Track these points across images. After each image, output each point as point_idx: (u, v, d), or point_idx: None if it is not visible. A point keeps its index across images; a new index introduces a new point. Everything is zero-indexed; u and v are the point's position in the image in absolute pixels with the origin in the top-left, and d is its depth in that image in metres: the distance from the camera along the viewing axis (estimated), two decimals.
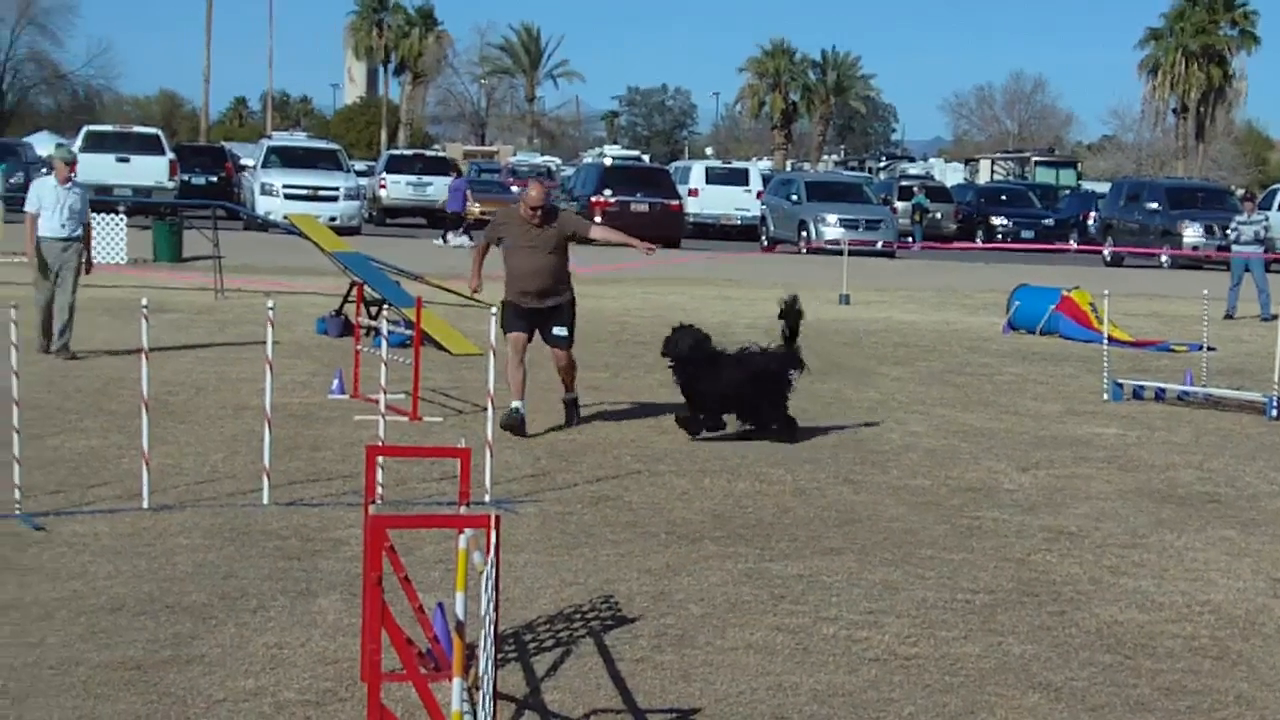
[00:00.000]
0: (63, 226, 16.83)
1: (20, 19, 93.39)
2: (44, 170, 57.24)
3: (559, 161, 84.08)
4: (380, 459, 9.80)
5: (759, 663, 7.47)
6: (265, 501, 10.37)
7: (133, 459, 11.03)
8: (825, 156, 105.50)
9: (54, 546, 9.13)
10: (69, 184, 16.94)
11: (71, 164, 17.18)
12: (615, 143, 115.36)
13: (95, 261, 18.47)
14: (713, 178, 52.00)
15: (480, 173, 65.51)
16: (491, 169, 69.45)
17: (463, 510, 7.41)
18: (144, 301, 10.52)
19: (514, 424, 13.21)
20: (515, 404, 13.36)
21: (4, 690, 6.69)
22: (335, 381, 15.19)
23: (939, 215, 54.10)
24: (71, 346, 16.88)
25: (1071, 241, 51.32)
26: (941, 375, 18.50)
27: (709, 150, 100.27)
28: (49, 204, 16.80)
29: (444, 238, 41.65)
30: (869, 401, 16.13)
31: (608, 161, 55.07)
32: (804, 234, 44.28)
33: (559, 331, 13.73)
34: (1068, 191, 63.31)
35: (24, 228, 17.13)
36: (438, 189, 50.23)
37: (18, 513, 9.74)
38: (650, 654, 7.54)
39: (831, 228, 43.54)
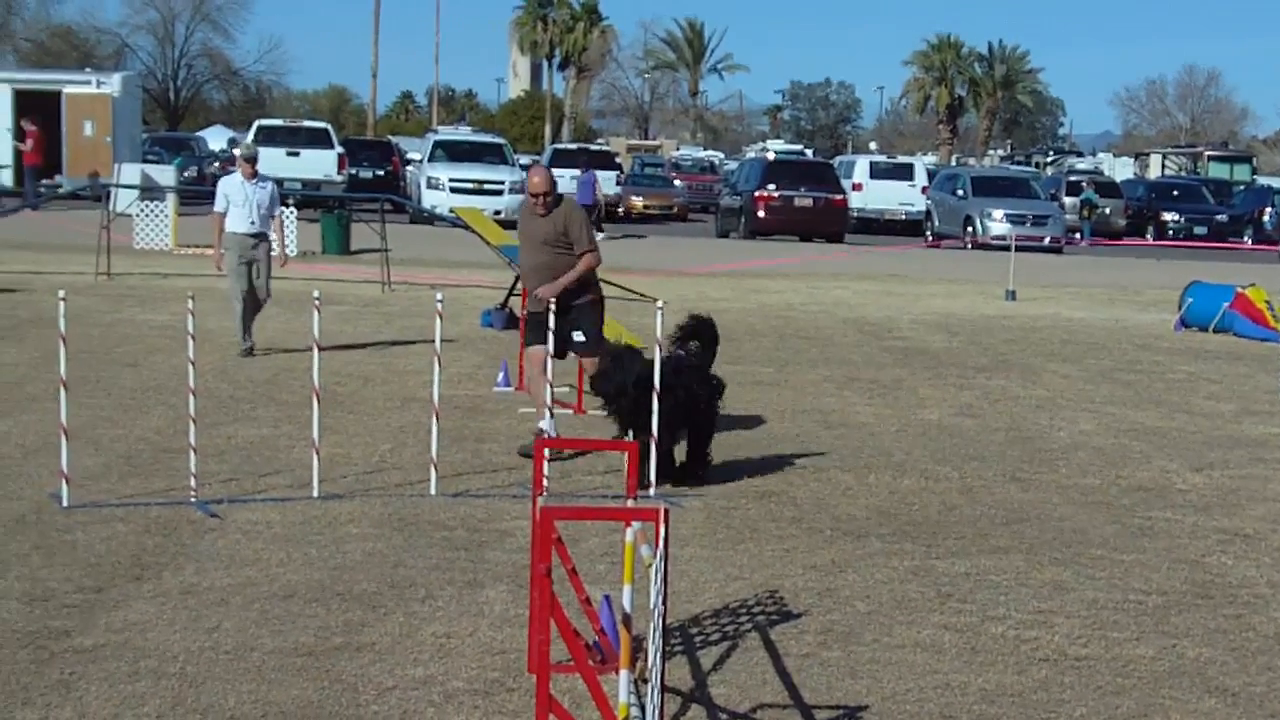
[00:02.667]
0: (251, 223, 16.77)
1: (194, 16, 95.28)
2: (215, 163, 58.45)
3: (722, 156, 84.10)
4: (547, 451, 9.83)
5: (926, 661, 7.39)
6: (432, 492, 10.48)
7: (303, 448, 11.20)
8: (991, 151, 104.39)
9: (228, 534, 9.29)
10: (255, 180, 16.91)
11: (254, 160, 17.19)
12: (778, 137, 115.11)
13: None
14: (877, 172, 51.63)
15: (644, 167, 65.68)
16: (655, 163, 69.58)
17: (630, 503, 7.43)
18: (316, 294, 10.67)
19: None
20: (541, 424, 11.70)
21: (182, 673, 6.82)
22: (500, 374, 15.31)
23: (1108, 211, 53.20)
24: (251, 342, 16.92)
25: (1246, 238, 50.23)
26: (1111, 373, 18.19)
27: (873, 145, 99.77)
28: (237, 200, 16.74)
29: None
30: (1036, 399, 15.91)
31: (771, 156, 54.94)
32: (969, 229, 43.82)
33: (577, 337, 12.22)
34: (1242, 187, 61.89)
35: (209, 224, 17.20)
36: (603, 183, 50.46)
37: (193, 500, 9.94)
38: (816, 650, 7.50)
39: (998, 223, 43.04)
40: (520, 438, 12.61)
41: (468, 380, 15.59)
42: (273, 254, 17.21)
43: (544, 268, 12.16)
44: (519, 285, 18.98)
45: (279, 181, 17.93)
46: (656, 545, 5.81)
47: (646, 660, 6.31)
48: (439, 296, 11.14)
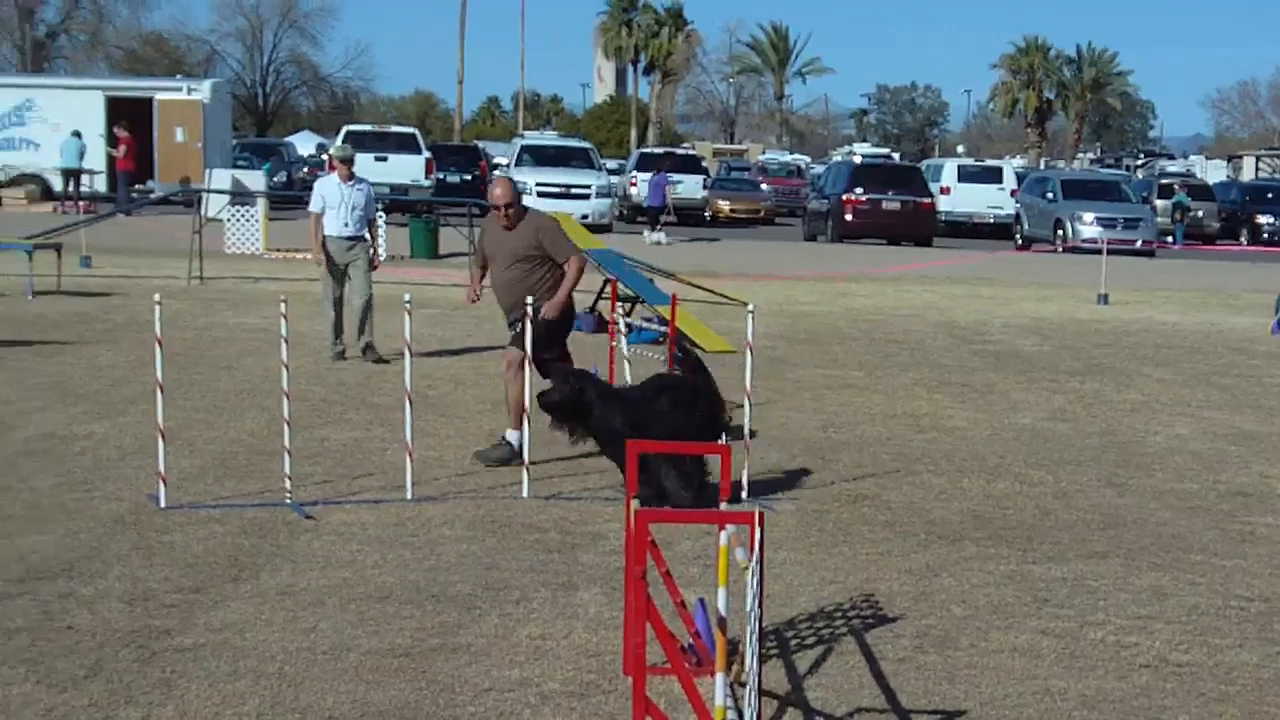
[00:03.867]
0: (346, 225, 16.65)
1: (282, 23, 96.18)
2: (304, 168, 58.86)
3: (808, 159, 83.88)
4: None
5: (1025, 666, 7.32)
6: (525, 494, 10.50)
7: (396, 451, 11.26)
8: (1080, 154, 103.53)
9: (323, 535, 9.35)
10: (351, 182, 16.78)
11: (350, 162, 17.03)
12: (864, 140, 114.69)
13: None
14: (965, 175, 51.33)
15: (730, 171, 65.62)
16: (741, 167, 69.52)
17: (724, 506, 7.41)
18: (407, 297, 10.72)
19: (503, 459, 11.57)
20: (508, 434, 11.68)
21: (281, 673, 6.86)
22: None
23: (1201, 214, 52.60)
24: (361, 346, 16.73)
25: None
26: (1207, 377, 17.97)
27: (960, 148, 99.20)
28: (333, 203, 16.65)
29: (653, 229, 41.51)
30: (1130, 403, 15.74)
31: (857, 159, 54.76)
32: (1060, 232, 43.45)
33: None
34: None
35: (307, 227, 17.15)
36: (688, 187, 50.47)
37: (288, 501, 10.00)
38: (913, 654, 7.44)
39: (1088, 226, 42.65)
40: None
41: None
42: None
43: (514, 283, 11.82)
44: (607, 288, 19.04)
45: (404, 187, 17.87)
46: (752, 549, 5.78)
47: (742, 663, 6.28)
48: (530, 299, 11.15)
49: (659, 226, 41.06)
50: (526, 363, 11.27)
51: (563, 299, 11.76)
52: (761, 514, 5.71)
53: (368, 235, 16.97)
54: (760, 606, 5.59)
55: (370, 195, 17.00)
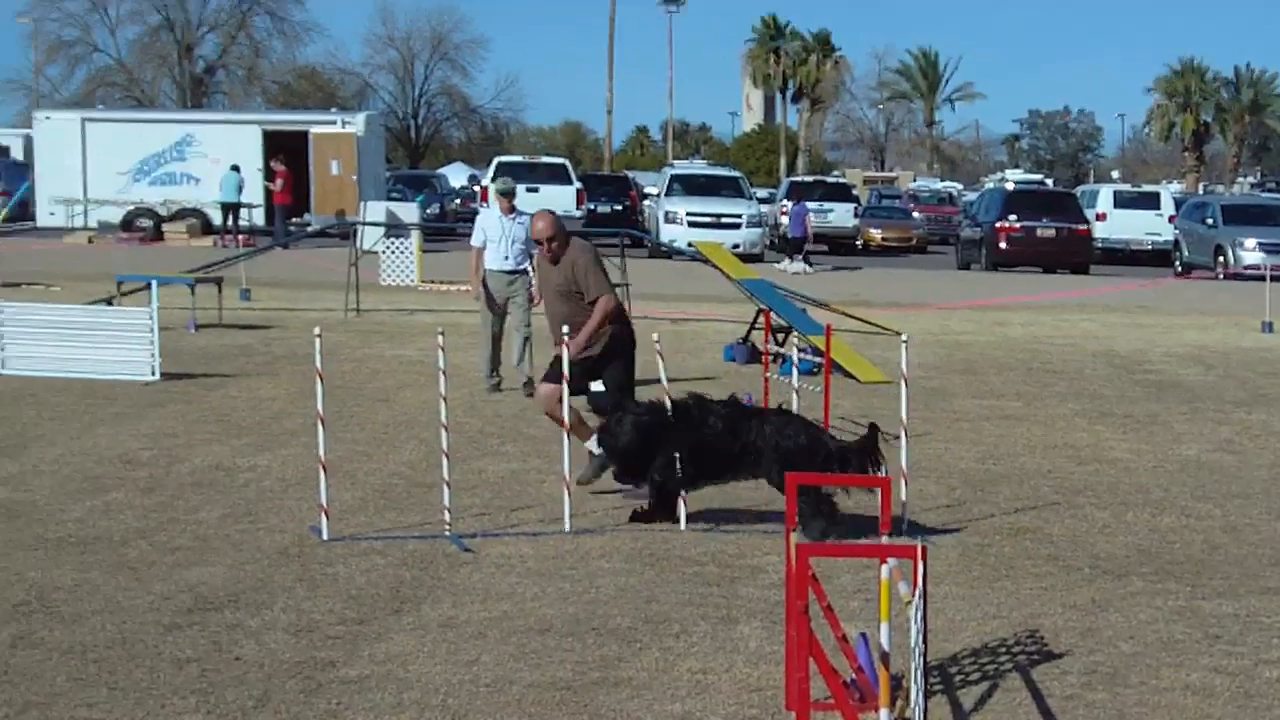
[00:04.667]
0: (507, 259, 16.62)
1: (433, 55, 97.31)
2: (456, 200, 59.41)
3: (959, 186, 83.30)
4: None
5: (1198, 705, 7.16)
6: (682, 527, 10.48)
7: (553, 483, 11.31)
8: (1240, 178, 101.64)
9: (482, 568, 9.40)
10: (512, 215, 16.74)
11: (511, 195, 17.03)
12: (1016, 166, 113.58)
13: None
14: (1121, 201, 50.56)
15: (880, 199, 65.30)
16: (892, 195, 69.16)
17: (884, 540, 7.34)
18: (565, 329, 10.75)
19: (597, 471, 11.43)
20: (590, 446, 11.29)
21: (444, 705, 6.90)
22: None
23: None
24: (522, 381, 16.53)
25: None
26: None
27: (1115, 173, 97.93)
28: (494, 236, 16.65)
29: (792, 260, 41.29)
30: None
31: (1010, 186, 54.23)
32: (1221, 259, 42.66)
33: (595, 387, 11.83)
34: None
35: (453, 260, 17.25)
36: (839, 215, 50.29)
37: (448, 533, 10.08)
38: (1080, 692, 7.31)
39: (1251, 252, 41.75)
40: None
41: None
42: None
43: (560, 317, 11.68)
44: (760, 319, 19.01)
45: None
46: (915, 583, 5.72)
47: (907, 699, 6.21)
48: (655, 337, 11.17)
49: (799, 256, 40.97)
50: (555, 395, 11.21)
51: (581, 341, 11.51)
52: (924, 549, 5.65)
53: (529, 269, 16.92)
54: (924, 642, 5.53)
55: (530, 229, 16.90)
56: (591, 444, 11.16)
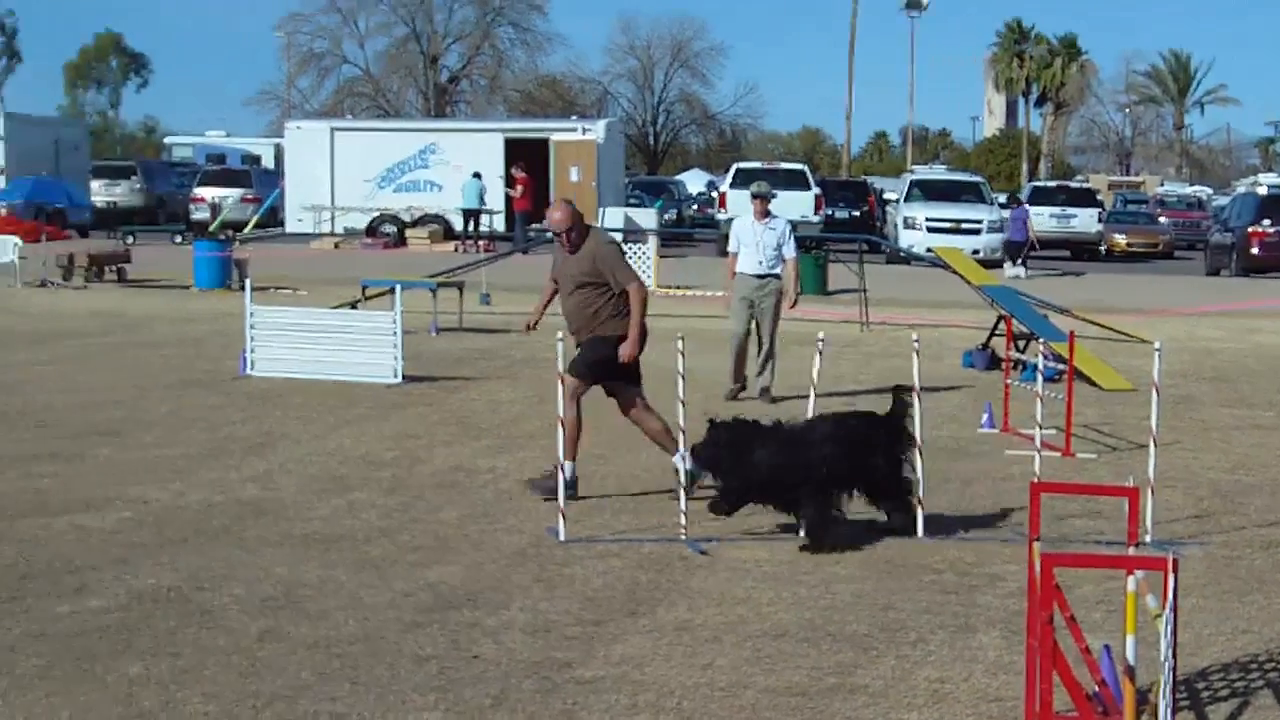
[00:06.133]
0: (759, 263, 16.52)
1: (673, 63, 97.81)
2: (693, 206, 59.64)
3: (1209, 191, 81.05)
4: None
5: None
6: (919, 534, 10.35)
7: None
8: None
9: (718, 572, 9.39)
10: (766, 220, 16.64)
11: (766, 199, 16.79)
12: (1269, 170, 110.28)
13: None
14: None
15: (1126, 204, 63.91)
16: (1138, 199, 67.61)
17: (1131, 551, 7.16)
18: (821, 335, 10.71)
19: (552, 489, 10.72)
20: (567, 464, 10.87)
21: (679, 709, 6.90)
22: (985, 415, 15.04)
23: None
24: (771, 389, 16.54)
25: None
26: None
27: None
28: (747, 241, 16.57)
29: (1012, 264, 40.41)
30: None
31: (1263, 190, 52.57)
32: None
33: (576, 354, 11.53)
34: None
35: (704, 266, 17.13)
36: (1082, 221, 49.32)
37: (684, 537, 10.09)
38: None
39: None
40: (1007, 479, 12.36)
41: (950, 421, 15.37)
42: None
43: (577, 309, 11.59)
44: (1001, 325, 18.72)
45: (792, 223, 17.52)
46: (1165, 596, 5.56)
47: (1153, 714, 6.04)
48: (915, 336, 11.03)
49: (1019, 261, 40.21)
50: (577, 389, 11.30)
51: (636, 337, 11.44)
52: (1175, 560, 5.50)
53: (781, 273, 16.76)
54: (1174, 656, 5.38)
55: (785, 233, 16.70)
56: (566, 464, 10.83)
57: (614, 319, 11.53)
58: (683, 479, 10.42)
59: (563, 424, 10.75)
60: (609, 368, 11.57)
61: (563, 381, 11.06)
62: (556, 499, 10.28)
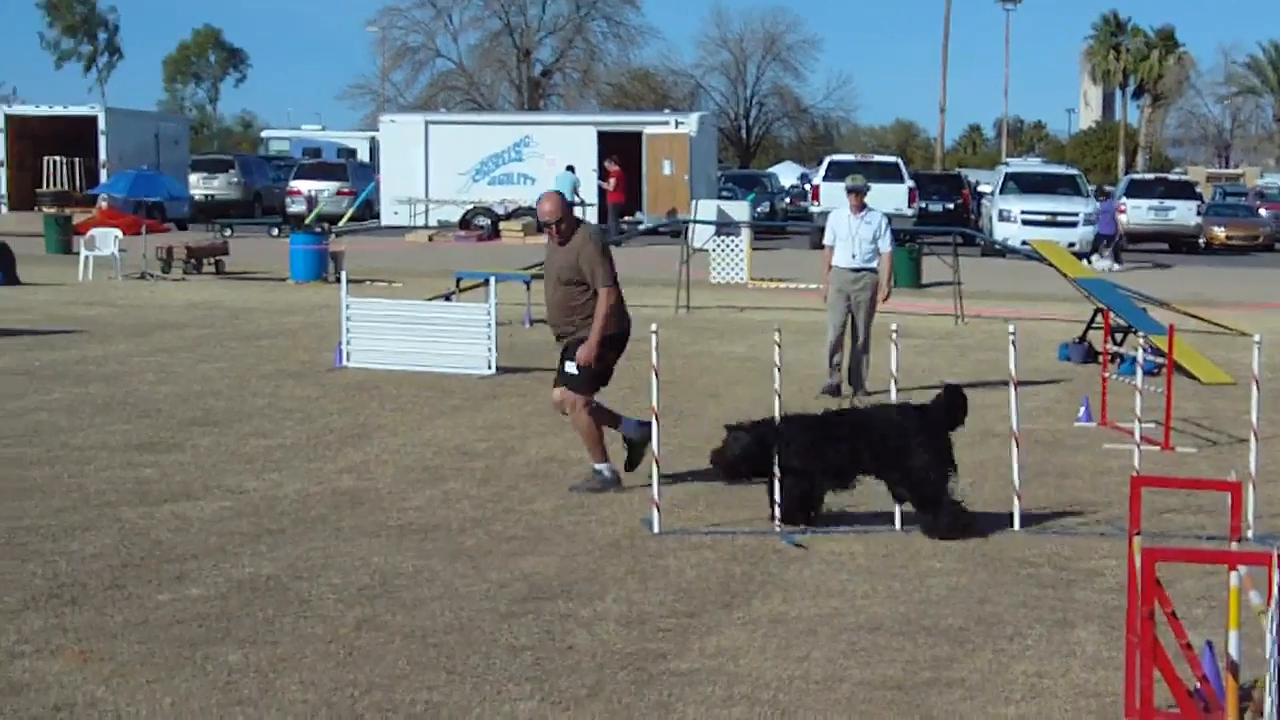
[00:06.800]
0: (853, 257, 16.38)
1: (765, 56, 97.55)
2: (786, 199, 59.47)
3: None
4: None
5: None
6: (1016, 527, 10.27)
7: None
8: None
9: (812, 564, 9.36)
10: (862, 213, 16.48)
11: (861, 192, 16.57)
12: None
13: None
14: None
15: (1225, 196, 63.11)
16: (1238, 192, 66.76)
17: (1234, 546, 7.06)
18: (894, 327, 10.65)
19: (597, 489, 11.33)
20: (603, 468, 11.41)
21: (774, 701, 6.88)
22: (1082, 409, 14.91)
23: None
24: (866, 382, 16.37)
25: None
26: None
27: None
28: (842, 235, 16.45)
29: (1101, 255, 39.94)
30: None
31: None
32: None
33: (568, 369, 11.34)
34: None
35: (797, 259, 17.10)
36: (1180, 214, 48.76)
37: (778, 530, 10.07)
38: None
39: None
40: (1105, 473, 12.25)
41: (1046, 414, 15.25)
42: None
43: (557, 304, 11.42)
44: (1098, 318, 18.54)
45: (888, 216, 17.36)
46: (1270, 591, 5.48)
47: (1257, 711, 5.96)
48: (1011, 328, 10.93)
49: (1109, 253, 39.77)
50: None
51: (594, 341, 11.16)
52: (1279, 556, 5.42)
53: (876, 267, 16.57)
54: (1279, 653, 5.30)
55: (880, 226, 16.51)
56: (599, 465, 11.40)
57: (590, 322, 11.32)
58: (597, 485, 11.19)
59: (582, 434, 11.15)
60: (608, 371, 11.58)
61: (567, 401, 11.37)
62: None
